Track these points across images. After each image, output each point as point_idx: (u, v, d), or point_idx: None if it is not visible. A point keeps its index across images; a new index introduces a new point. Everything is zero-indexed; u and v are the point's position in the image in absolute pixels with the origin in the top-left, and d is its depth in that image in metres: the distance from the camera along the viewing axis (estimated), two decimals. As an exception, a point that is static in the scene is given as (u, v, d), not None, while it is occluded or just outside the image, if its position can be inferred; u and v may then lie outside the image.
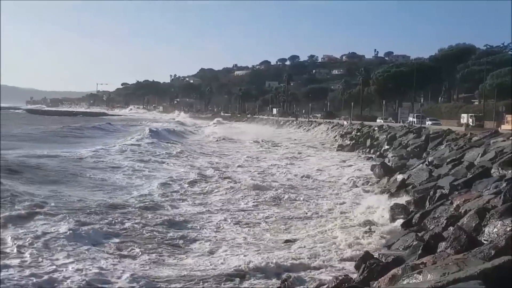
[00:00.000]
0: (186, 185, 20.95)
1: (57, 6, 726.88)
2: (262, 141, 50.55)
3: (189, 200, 18.12)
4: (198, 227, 14.07)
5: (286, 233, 13.72)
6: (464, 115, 51.92)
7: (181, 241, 12.54)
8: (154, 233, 13.12)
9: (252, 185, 21.03)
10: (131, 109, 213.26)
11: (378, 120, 69.79)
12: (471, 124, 47.09)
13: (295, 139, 56.26)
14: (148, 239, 12.56)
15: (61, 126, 61.00)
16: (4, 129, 48.16)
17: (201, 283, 9.56)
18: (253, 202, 18.01)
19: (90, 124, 67.98)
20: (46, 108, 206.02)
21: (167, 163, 28.71)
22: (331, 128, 63.25)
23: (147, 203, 16.76)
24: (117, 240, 12.32)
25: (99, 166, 25.14)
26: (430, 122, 53.92)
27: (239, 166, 28.96)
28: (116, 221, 13.91)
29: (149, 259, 11.02)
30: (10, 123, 66.43)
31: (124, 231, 13.13)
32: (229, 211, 16.34)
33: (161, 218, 14.68)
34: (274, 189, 20.66)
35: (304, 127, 75.31)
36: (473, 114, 51.10)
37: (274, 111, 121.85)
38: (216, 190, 20.23)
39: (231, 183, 21.73)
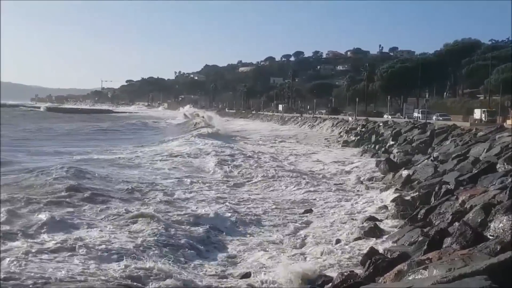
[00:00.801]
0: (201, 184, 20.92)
1: (59, 6, 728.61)
2: (265, 139, 50.58)
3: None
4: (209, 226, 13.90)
5: (289, 230, 13.67)
6: (477, 110, 51.56)
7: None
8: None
9: (258, 182, 21.10)
10: (137, 106, 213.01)
11: (385, 116, 69.24)
12: (484, 119, 46.89)
13: (295, 135, 56.12)
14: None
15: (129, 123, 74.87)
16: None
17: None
18: (258, 200, 18.06)
19: (141, 123, 79.94)
20: (63, 106, 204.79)
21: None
22: (336, 124, 63.16)
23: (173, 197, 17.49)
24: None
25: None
26: (440, 118, 53.54)
27: (243, 163, 28.92)
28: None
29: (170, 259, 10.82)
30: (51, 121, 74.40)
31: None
32: (235, 206, 16.30)
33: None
34: (278, 186, 20.70)
35: (309, 123, 75.18)
36: (485, 110, 50.78)
37: (280, 107, 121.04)
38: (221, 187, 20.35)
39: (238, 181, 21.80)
